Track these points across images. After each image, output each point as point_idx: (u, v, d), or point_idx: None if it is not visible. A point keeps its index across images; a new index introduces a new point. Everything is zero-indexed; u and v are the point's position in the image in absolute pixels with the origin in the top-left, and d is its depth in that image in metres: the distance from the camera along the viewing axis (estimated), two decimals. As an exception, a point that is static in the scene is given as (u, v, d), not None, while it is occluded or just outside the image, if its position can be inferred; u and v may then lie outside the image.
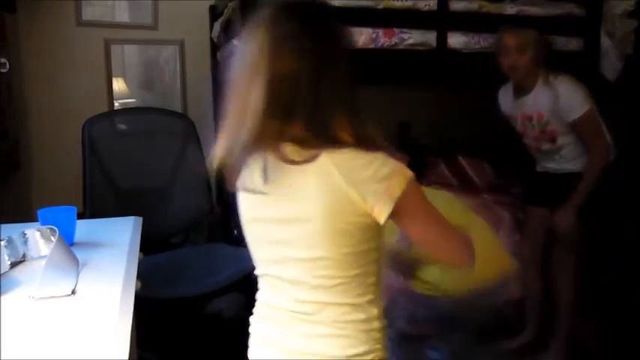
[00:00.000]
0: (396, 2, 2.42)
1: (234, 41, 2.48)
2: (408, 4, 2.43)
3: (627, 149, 2.97)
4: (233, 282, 2.05)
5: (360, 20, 2.36)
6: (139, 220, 1.66)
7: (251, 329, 1.03)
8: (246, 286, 2.19)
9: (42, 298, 1.06)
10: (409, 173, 0.88)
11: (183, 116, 2.80)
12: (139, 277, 1.24)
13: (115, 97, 3.24)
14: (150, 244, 1.69)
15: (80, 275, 1.18)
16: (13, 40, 2.87)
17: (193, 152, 2.47)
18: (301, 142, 0.86)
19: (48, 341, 0.91)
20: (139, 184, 2.39)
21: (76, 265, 1.20)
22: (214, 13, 3.15)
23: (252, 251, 1.01)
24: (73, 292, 1.10)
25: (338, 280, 0.89)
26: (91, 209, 2.18)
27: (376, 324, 0.93)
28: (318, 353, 0.91)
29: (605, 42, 2.75)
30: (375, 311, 0.93)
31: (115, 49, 3.22)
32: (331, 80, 0.88)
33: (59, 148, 3.06)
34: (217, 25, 2.89)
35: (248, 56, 0.88)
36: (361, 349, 0.91)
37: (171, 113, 2.79)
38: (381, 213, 0.85)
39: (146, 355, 1.72)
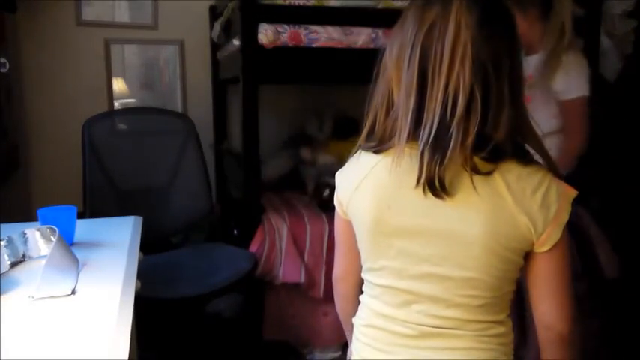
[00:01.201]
0: (395, 2, 2.42)
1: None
2: (408, 3, 2.44)
3: (627, 149, 2.97)
4: (233, 282, 2.05)
5: (359, 20, 2.37)
6: (139, 219, 1.66)
7: (365, 339, 0.96)
8: (245, 286, 2.20)
9: (42, 297, 1.06)
10: (573, 194, 0.83)
11: (183, 116, 2.80)
12: (139, 277, 1.24)
13: (115, 97, 3.24)
14: (150, 244, 1.70)
15: (80, 275, 1.18)
16: (13, 40, 2.87)
17: (193, 152, 2.48)
18: (496, 148, 0.78)
19: (48, 341, 0.91)
20: (139, 184, 2.39)
21: (76, 264, 1.20)
22: (214, 13, 3.15)
23: (375, 259, 0.92)
24: (73, 292, 1.10)
25: (484, 300, 0.86)
26: (91, 209, 2.18)
27: (511, 336, 0.93)
28: None
29: (605, 42, 2.75)
30: (510, 324, 0.92)
31: (115, 49, 3.22)
32: (521, 72, 0.83)
33: (59, 147, 3.07)
34: (217, 25, 2.89)
35: (446, 35, 0.77)
36: (504, 358, 0.91)
37: (172, 113, 2.79)
38: (547, 241, 0.82)
39: (146, 355, 1.72)
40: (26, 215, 2.50)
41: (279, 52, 2.29)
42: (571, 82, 1.79)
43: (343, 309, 1.09)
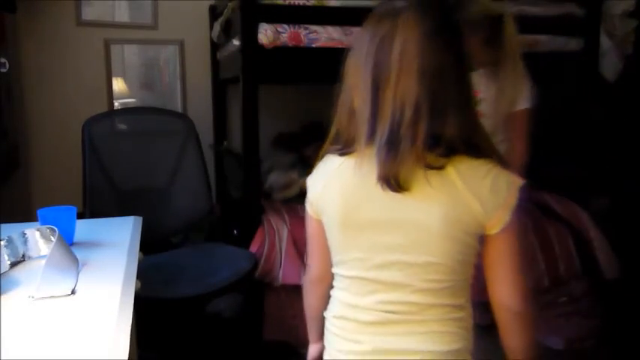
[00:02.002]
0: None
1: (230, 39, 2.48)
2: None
3: (628, 149, 2.98)
4: (233, 282, 2.05)
5: (359, 20, 2.36)
6: (139, 219, 1.66)
7: (335, 330, 1.02)
8: (245, 286, 2.20)
9: (41, 297, 1.06)
10: (520, 182, 0.91)
11: (183, 116, 2.80)
12: (138, 277, 1.24)
13: (114, 97, 3.24)
14: (150, 244, 1.69)
15: (80, 275, 1.18)
16: (13, 40, 2.87)
17: (193, 152, 2.47)
18: (447, 146, 0.86)
19: (48, 341, 0.91)
20: (139, 184, 2.39)
21: (76, 264, 1.20)
22: (214, 13, 3.15)
23: (344, 251, 0.98)
24: (73, 292, 1.10)
25: (445, 284, 0.92)
26: (91, 209, 2.18)
27: (471, 321, 0.98)
28: (422, 350, 0.92)
29: (605, 42, 2.75)
30: (470, 310, 0.98)
31: (115, 49, 3.22)
32: (467, 78, 0.90)
33: (59, 147, 3.07)
34: (217, 25, 2.89)
35: (393, 48, 0.85)
36: (462, 344, 0.95)
37: (172, 113, 2.79)
38: (498, 223, 0.89)
39: (146, 355, 1.72)
40: (26, 215, 2.50)
41: (279, 52, 2.29)
42: (517, 96, 1.96)
43: (315, 308, 1.15)
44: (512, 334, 0.96)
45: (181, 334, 2.26)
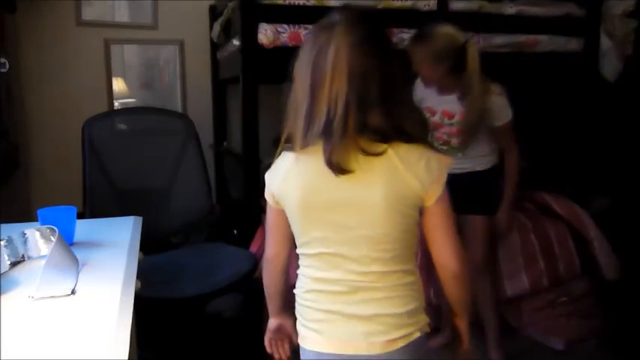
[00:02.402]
0: (395, 2, 2.42)
1: (234, 41, 2.48)
2: (408, 3, 2.44)
3: (628, 149, 2.98)
4: (233, 282, 2.05)
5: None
6: (139, 219, 1.66)
7: (306, 303, 1.16)
8: (245, 286, 2.19)
9: (41, 297, 1.06)
10: (448, 161, 1.10)
11: (183, 116, 2.80)
12: (138, 277, 1.24)
13: (114, 97, 3.24)
14: (150, 244, 1.69)
15: (80, 275, 1.18)
16: (13, 40, 2.87)
17: (193, 152, 2.47)
18: (377, 133, 1.03)
19: (48, 341, 0.91)
20: (139, 184, 2.39)
21: (76, 264, 1.20)
22: (214, 13, 3.15)
23: (306, 232, 1.13)
24: (73, 292, 1.10)
25: (394, 252, 1.09)
26: (91, 209, 2.18)
27: (420, 283, 1.16)
28: (383, 313, 1.10)
29: (605, 42, 2.75)
30: (418, 273, 1.16)
31: (114, 49, 3.22)
32: (393, 77, 1.05)
33: (59, 147, 3.07)
34: (217, 25, 2.89)
35: (328, 55, 1.02)
36: (415, 304, 1.13)
37: (171, 113, 2.79)
38: (433, 196, 1.07)
39: (146, 355, 1.72)
40: (26, 215, 2.50)
41: (279, 52, 2.29)
42: (501, 111, 2.10)
43: (274, 283, 1.29)
44: (451, 289, 1.18)
45: (181, 334, 2.25)
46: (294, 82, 1.08)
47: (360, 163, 1.03)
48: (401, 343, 1.10)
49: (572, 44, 2.72)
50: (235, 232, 2.64)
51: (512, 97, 2.13)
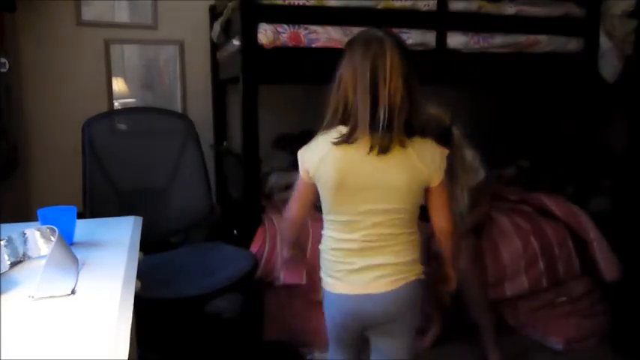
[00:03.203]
0: (395, 2, 2.42)
1: (234, 41, 2.48)
2: (408, 4, 2.44)
3: (629, 149, 2.97)
4: (232, 282, 2.05)
5: (359, 20, 2.37)
6: (139, 219, 1.66)
7: (330, 257, 1.48)
8: (245, 286, 2.20)
9: (41, 297, 1.06)
10: (446, 152, 1.46)
11: (183, 116, 2.79)
12: (138, 277, 1.24)
13: (114, 97, 3.24)
14: (150, 244, 1.69)
15: (80, 275, 1.18)
16: (13, 40, 2.87)
17: (193, 152, 2.47)
18: (408, 128, 1.35)
19: (48, 341, 0.91)
20: (138, 185, 2.39)
21: (76, 264, 1.20)
22: (214, 13, 3.15)
23: (337, 205, 1.43)
24: (73, 292, 1.10)
25: (405, 220, 1.44)
26: (91, 209, 2.18)
27: (419, 241, 1.51)
28: (388, 262, 1.43)
29: (605, 42, 2.75)
30: (418, 233, 1.50)
31: (114, 49, 3.22)
32: (417, 85, 1.37)
33: (59, 147, 3.07)
34: (217, 25, 2.89)
35: (385, 61, 1.32)
36: (414, 256, 1.48)
37: (171, 113, 2.79)
38: (436, 179, 1.44)
39: (146, 355, 1.72)
40: (26, 215, 2.50)
41: (279, 52, 2.29)
42: (472, 174, 2.38)
43: (291, 234, 1.69)
44: (445, 244, 1.56)
45: (181, 334, 2.26)
46: (342, 84, 1.36)
47: (393, 151, 1.35)
48: (401, 283, 1.44)
49: (572, 44, 2.72)
50: (235, 232, 2.64)
51: (512, 97, 2.14)
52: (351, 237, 1.43)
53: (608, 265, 2.63)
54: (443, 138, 2.13)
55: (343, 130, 1.37)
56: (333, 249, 1.47)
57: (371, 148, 1.33)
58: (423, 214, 1.54)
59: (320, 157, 1.40)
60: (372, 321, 1.48)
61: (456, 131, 2.27)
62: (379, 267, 1.43)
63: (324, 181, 1.41)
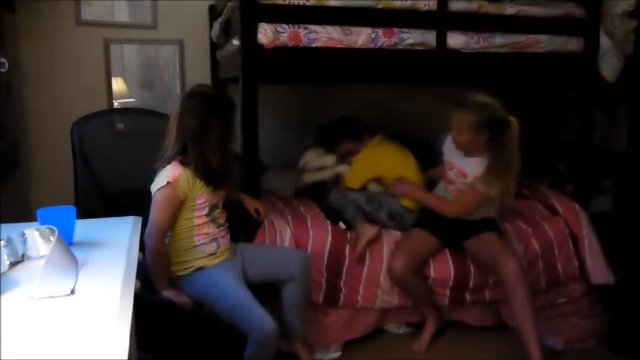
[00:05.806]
0: (395, 2, 2.41)
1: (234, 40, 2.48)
2: (408, 3, 2.43)
3: (630, 149, 2.97)
4: (233, 282, 2.04)
5: (359, 20, 2.37)
6: (139, 219, 1.66)
7: None
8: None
9: (41, 297, 1.06)
10: None
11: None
12: (138, 277, 1.24)
13: (114, 96, 3.24)
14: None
15: (79, 275, 1.18)
16: (13, 40, 2.87)
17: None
18: None
19: (47, 341, 0.91)
20: (128, 185, 2.36)
21: (76, 264, 1.20)
22: (214, 13, 3.15)
23: None
24: (72, 292, 1.09)
25: None
26: (83, 210, 2.16)
27: None
28: None
29: (605, 42, 2.75)
30: None
31: (114, 48, 3.22)
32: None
33: (58, 147, 3.06)
34: (217, 25, 2.89)
35: None
36: None
37: (163, 115, 2.76)
38: None
39: (145, 356, 1.72)
40: (25, 215, 2.50)
41: (279, 52, 2.29)
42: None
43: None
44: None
45: (180, 334, 2.25)
46: None
47: None
48: None
49: (572, 44, 2.72)
50: (235, 232, 2.64)
51: (512, 97, 2.15)
52: None
53: (595, 268, 2.63)
54: (496, 127, 2.19)
55: None
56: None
57: None
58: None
59: None
60: None
61: (513, 119, 2.21)
62: None
63: None
